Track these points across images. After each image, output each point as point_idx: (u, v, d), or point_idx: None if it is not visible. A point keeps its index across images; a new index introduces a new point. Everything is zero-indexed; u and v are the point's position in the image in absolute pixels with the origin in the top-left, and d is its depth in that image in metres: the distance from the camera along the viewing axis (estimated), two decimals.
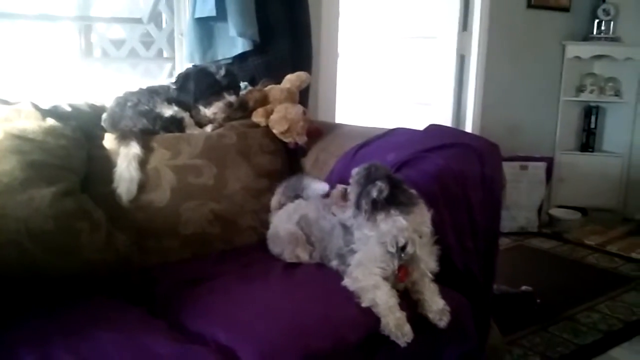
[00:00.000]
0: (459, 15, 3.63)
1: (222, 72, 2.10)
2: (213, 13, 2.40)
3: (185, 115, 2.04)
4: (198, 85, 2.06)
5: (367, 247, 1.52)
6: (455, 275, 1.72)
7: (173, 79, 2.18)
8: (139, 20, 2.84)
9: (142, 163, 1.84)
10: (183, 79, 2.10)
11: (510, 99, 4.00)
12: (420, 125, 2.15)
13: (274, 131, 2.17)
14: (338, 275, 1.57)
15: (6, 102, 1.83)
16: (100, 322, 1.36)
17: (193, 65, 2.29)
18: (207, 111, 2.08)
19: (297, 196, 1.95)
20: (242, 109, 2.21)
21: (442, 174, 1.76)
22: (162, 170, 1.87)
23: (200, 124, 2.11)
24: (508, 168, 3.57)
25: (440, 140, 1.89)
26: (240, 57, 2.56)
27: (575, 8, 4.19)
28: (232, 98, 2.10)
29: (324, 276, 1.54)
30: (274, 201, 1.99)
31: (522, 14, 3.94)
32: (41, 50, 2.68)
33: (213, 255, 1.84)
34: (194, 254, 1.84)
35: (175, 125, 2.01)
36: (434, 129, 2.07)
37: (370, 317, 1.42)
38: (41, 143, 1.66)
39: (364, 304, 1.44)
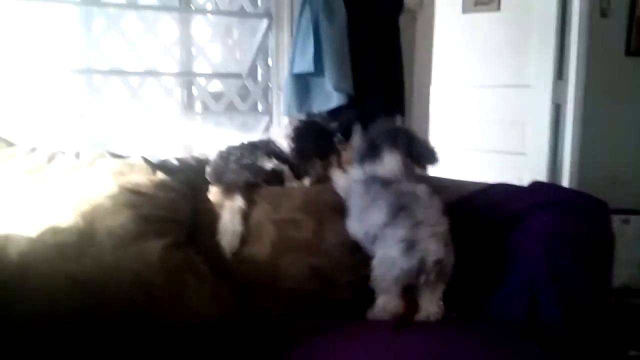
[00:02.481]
0: (553, 63, 3.56)
1: (333, 124, 2.13)
2: (311, 69, 2.47)
3: (285, 168, 2.08)
4: (317, 142, 2.10)
5: None
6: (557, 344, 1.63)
7: (274, 133, 2.22)
8: (238, 76, 2.96)
9: (245, 216, 1.89)
10: (298, 138, 2.12)
11: (611, 149, 3.82)
12: (515, 177, 2.09)
13: None
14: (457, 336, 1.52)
15: (119, 156, 1.94)
16: None
17: (301, 121, 2.30)
18: (318, 164, 2.11)
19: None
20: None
21: (549, 233, 1.70)
22: (264, 223, 1.90)
23: (298, 177, 2.14)
24: None
25: (545, 197, 1.83)
26: (334, 110, 2.60)
27: None
28: (340, 147, 2.14)
29: (436, 340, 1.48)
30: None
31: (620, 61, 3.79)
32: (147, 104, 2.84)
33: (311, 310, 1.84)
34: (292, 309, 1.84)
35: (275, 177, 2.05)
36: (538, 186, 2.01)
37: None
38: (152, 197, 1.74)
39: None
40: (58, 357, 1.41)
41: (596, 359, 1.76)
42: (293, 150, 2.11)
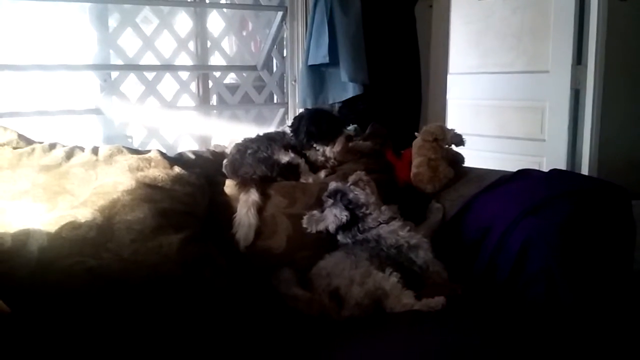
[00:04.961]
0: (572, 48, 3.50)
1: (336, 108, 2.13)
2: (326, 60, 2.46)
3: (301, 161, 2.08)
4: (317, 125, 2.10)
5: None
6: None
7: (288, 124, 2.23)
8: (253, 68, 2.96)
9: (260, 210, 1.88)
10: (298, 122, 2.15)
11: (630, 133, 3.76)
12: (535, 162, 2.06)
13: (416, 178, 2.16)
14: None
15: (136, 151, 1.95)
16: None
17: (306, 109, 2.33)
18: (327, 149, 2.11)
19: None
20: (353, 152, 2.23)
21: (567, 223, 1.69)
22: (279, 217, 1.90)
23: (314, 167, 2.14)
24: None
25: (565, 187, 1.81)
26: (350, 100, 2.59)
27: None
28: (350, 132, 2.13)
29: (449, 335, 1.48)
30: None
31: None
32: (163, 98, 2.86)
33: None
34: None
35: (291, 171, 2.05)
36: (557, 174, 1.99)
37: None
38: (169, 191, 1.75)
39: None
40: (76, 348, 1.44)
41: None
42: (292, 132, 2.12)
